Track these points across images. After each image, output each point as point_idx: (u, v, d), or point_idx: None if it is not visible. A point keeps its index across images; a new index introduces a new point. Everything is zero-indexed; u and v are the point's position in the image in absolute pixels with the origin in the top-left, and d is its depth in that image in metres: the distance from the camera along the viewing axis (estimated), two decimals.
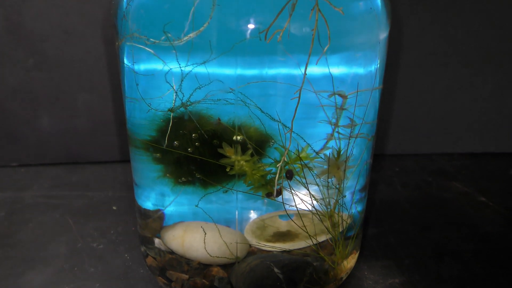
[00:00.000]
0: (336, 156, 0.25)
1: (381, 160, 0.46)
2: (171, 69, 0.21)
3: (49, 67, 0.42)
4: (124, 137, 0.45)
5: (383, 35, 0.22)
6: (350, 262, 0.28)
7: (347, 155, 0.25)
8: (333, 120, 0.25)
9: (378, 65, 0.23)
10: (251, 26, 0.19)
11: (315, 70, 0.21)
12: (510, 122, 0.47)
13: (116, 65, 0.42)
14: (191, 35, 0.20)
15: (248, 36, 0.19)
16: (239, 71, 0.21)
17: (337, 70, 0.21)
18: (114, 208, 0.38)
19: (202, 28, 0.20)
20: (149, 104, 0.23)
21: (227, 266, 0.27)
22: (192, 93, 0.23)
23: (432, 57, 0.44)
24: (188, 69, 0.21)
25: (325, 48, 0.20)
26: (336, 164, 0.25)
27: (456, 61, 0.44)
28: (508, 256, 0.33)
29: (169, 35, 0.20)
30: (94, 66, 0.42)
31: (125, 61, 0.23)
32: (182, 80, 0.21)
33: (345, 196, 0.26)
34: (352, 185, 0.27)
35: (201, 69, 0.21)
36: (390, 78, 0.45)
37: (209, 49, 0.20)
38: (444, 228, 0.36)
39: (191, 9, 0.19)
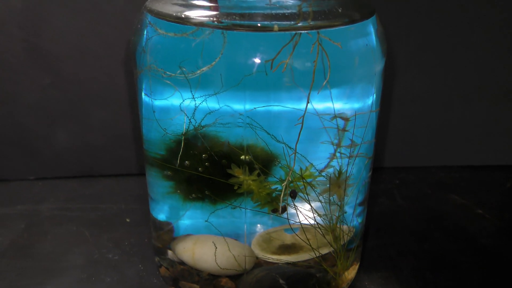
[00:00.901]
0: (337, 175, 0.27)
1: (381, 173, 0.48)
2: (184, 99, 0.23)
3: (64, 86, 0.44)
4: (135, 152, 0.47)
5: (379, 67, 0.24)
6: (351, 273, 0.30)
7: (347, 174, 0.27)
8: (335, 141, 0.27)
9: (375, 94, 0.25)
10: (257, 60, 0.22)
11: (317, 101, 0.23)
12: (508, 135, 0.49)
13: (127, 84, 0.45)
14: (204, 69, 0.22)
15: (255, 70, 0.22)
16: (248, 100, 0.23)
17: (337, 100, 0.23)
18: (127, 220, 0.41)
19: (213, 63, 0.22)
20: (165, 129, 0.25)
21: (235, 277, 0.29)
22: (203, 118, 0.25)
23: (430, 72, 0.46)
24: (201, 98, 0.23)
25: (327, 78, 0.22)
26: (337, 183, 0.27)
27: (454, 75, 0.46)
28: (503, 267, 0.35)
29: (184, 69, 0.22)
30: (107, 84, 0.44)
31: (143, 90, 0.25)
32: (195, 110, 0.23)
33: (345, 212, 0.28)
34: (352, 200, 0.29)
35: (212, 98, 0.23)
36: (390, 94, 0.47)
37: (220, 82, 0.22)
38: (442, 240, 0.38)
39: (203, 47, 0.21)
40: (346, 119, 0.27)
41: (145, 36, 0.23)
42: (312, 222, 0.28)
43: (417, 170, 0.49)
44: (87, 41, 0.43)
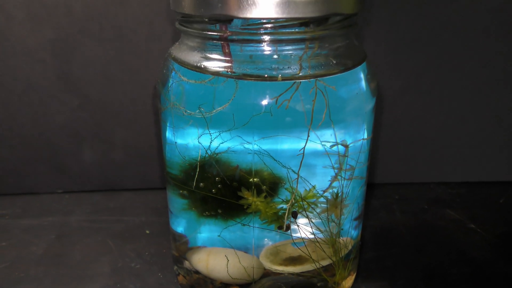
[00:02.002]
0: (335, 197, 0.31)
1: (382, 189, 0.51)
2: (201, 134, 0.27)
3: (91, 108, 0.49)
4: (154, 168, 0.52)
5: (369, 106, 0.28)
6: (348, 282, 0.34)
7: (344, 196, 0.31)
8: (336, 165, 0.31)
9: (366, 128, 0.29)
10: (264, 103, 0.26)
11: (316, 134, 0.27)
12: (501, 153, 0.52)
13: (147, 107, 0.49)
14: (218, 109, 0.26)
15: (262, 110, 0.26)
16: (256, 133, 0.27)
17: (334, 134, 0.27)
18: (147, 232, 0.45)
19: (226, 104, 0.26)
20: (184, 157, 0.30)
21: (244, 286, 0.33)
22: (217, 147, 0.29)
23: (428, 96, 0.50)
24: (215, 133, 0.27)
25: (323, 118, 0.26)
26: (334, 204, 0.31)
27: (450, 100, 0.50)
28: (491, 279, 0.38)
29: (202, 109, 0.26)
30: (129, 107, 0.49)
31: (167, 123, 0.29)
32: (210, 142, 0.27)
33: (342, 229, 0.32)
34: (349, 216, 0.33)
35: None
36: (391, 114, 0.50)
37: (232, 120, 0.26)
38: (435, 252, 0.41)
39: (219, 91, 0.25)
40: (346, 146, 0.30)
41: (170, 80, 0.28)
42: (314, 236, 0.32)
43: (417, 186, 0.52)
44: (112, 68, 0.47)
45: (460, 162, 0.53)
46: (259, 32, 0.24)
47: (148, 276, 0.39)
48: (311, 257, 0.32)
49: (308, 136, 0.27)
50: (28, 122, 0.49)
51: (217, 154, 0.29)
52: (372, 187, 0.52)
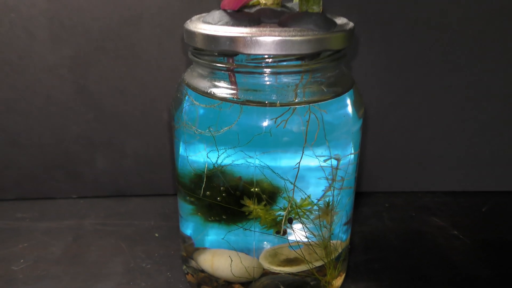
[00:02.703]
0: (326, 205, 0.35)
1: (374, 197, 0.56)
2: (210, 151, 0.31)
3: (105, 119, 0.53)
4: (162, 175, 0.56)
5: (356, 127, 0.32)
6: (338, 282, 0.38)
7: (334, 204, 0.35)
8: (330, 177, 0.35)
9: (352, 146, 0.33)
10: (264, 124, 0.30)
11: (310, 151, 0.31)
12: (486, 164, 0.56)
13: (157, 120, 0.54)
14: (225, 129, 0.30)
15: (263, 130, 0.30)
16: (257, 150, 0.31)
17: (325, 151, 0.32)
18: (156, 235, 0.49)
19: (232, 125, 0.30)
20: (193, 169, 0.34)
21: (246, 284, 0.37)
22: (223, 160, 0.33)
23: (416, 111, 0.54)
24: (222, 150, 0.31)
25: (314, 140, 0.30)
26: (326, 212, 0.35)
27: (437, 114, 0.54)
28: (469, 281, 0.43)
29: (211, 129, 0.30)
30: (140, 119, 0.53)
31: (181, 140, 0.34)
32: (218, 157, 0.32)
33: (333, 233, 0.36)
34: (339, 222, 0.37)
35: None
36: (382, 128, 0.55)
37: (237, 138, 0.30)
38: (419, 256, 0.46)
39: (226, 114, 0.30)
40: (338, 159, 0.35)
41: (183, 103, 0.32)
42: (309, 240, 0.36)
43: (405, 195, 0.56)
44: (124, 83, 0.52)
45: (446, 173, 0.57)
46: (261, 65, 0.29)
47: (158, 275, 0.43)
48: (305, 259, 0.37)
49: (303, 153, 0.31)
50: (47, 132, 0.53)
51: (222, 166, 0.34)
52: (364, 196, 0.56)
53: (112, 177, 0.56)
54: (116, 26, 0.49)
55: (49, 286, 0.41)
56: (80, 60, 0.50)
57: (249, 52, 0.28)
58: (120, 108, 0.53)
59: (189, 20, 0.32)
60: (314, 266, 0.37)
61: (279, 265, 0.37)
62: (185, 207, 0.38)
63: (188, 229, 0.40)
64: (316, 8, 0.29)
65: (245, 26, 0.28)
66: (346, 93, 0.32)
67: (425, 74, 0.52)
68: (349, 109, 0.32)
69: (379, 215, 0.52)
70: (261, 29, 0.28)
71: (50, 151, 0.54)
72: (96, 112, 0.53)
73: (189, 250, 0.39)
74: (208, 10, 0.48)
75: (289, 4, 0.33)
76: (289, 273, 0.37)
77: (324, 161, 0.33)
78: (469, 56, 0.52)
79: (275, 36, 0.27)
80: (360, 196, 0.56)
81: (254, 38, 0.27)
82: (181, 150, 0.34)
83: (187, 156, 0.34)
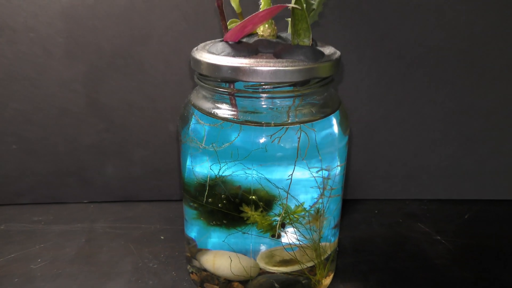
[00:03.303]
0: (316, 212, 0.40)
1: (364, 204, 0.60)
2: (213, 164, 0.36)
3: (114, 130, 0.58)
4: (167, 182, 0.61)
5: (342, 144, 0.37)
6: (327, 281, 0.43)
7: (322, 211, 0.40)
8: (321, 186, 0.40)
9: (339, 159, 0.38)
10: (261, 141, 0.35)
11: (301, 164, 0.36)
12: (469, 174, 0.61)
13: (162, 131, 0.58)
14: (226, 145, 0.35)
15: (260, 146, 0.35)
16: (255, 162, 0.36)
17: (315, 163, 0.36)
18: (162, 237, 0.54)
19: (232, 141, 0.35)
20: (198, 179, 0.39)
21: (244, 282, 0.42)
22: (224, 170, 0.38)
23: (404, 125, 0.59)
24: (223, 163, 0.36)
25: (305, 153, 0.35)
26: (316, 217, 0.40)
27: (422, 127, 0.59)
28: (449, 282, 0.47)
29: (214, 145, 0.35)
30: (147, 130, 0.58)
31: (188, 154, 0.38)
32: (220, 168, 0.36)
33: (322, 237, 0.41)
34: (328, 226, 0.42)
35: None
36: (372, 139, 0.59)
37: (237, 153, 0.35)
38: (403, 259, 0.50)
39: (226, 131, 0.34)
40: (332, 169, 0.39)
41: (189, 121, 0.37)
42: (300, 243, 0.40)
43: (394, 202, 0.61)
44: (133, 97, 0.56)
45: (432, 182, 0.61)
46: (258, 91, 0.34)
47: (164, 274, 0.48)
48: (298, 260, 0.41)
49: (295, 165, 0.36)
50: (61, 142, 0.58)
51: (223, 177, 0.38)
52: (355, 203, 0.61)
53: (120, 184, 0.60)
54: (126, 45, 0.54)
55: (65, 284, 0.46)
56: (93, 76, 0.55)
57: (247, 80, 0.32)
58: (128, 119, 0.57)
59: (195, 48, 0.37)
60: (305, 266, 0.41)
61: (274, 265, 0.42)
62: (189, 212, 0.43)
63: (192, 232, 0.44)
64: (306, 41, 0.34)
65: (245, 56, 0.33)
66: (333, 114, 0.36)
67: (411, 90, 0.57)
68: (336, 127, 0.37)
69: (369, 221, 0.57)
70: (258, 60, 0.32)
71: (64, 159, 0.58)
72: (107, 123, 0.57)
73: (193, 251, 0.44)
74: (211, 30, 0.53)
75: (283, 34, 0.38)
76: (283, 273, 0.42)
77: (317, 172, 0.38)
78: (453, 74, 0.56)
79: (270, 66, 0.32)
80: (352, 203, 0.60)
81: (252, 68, 0.32)
82: (187, 162, 0.39)
83: (192, 167, 0.38)
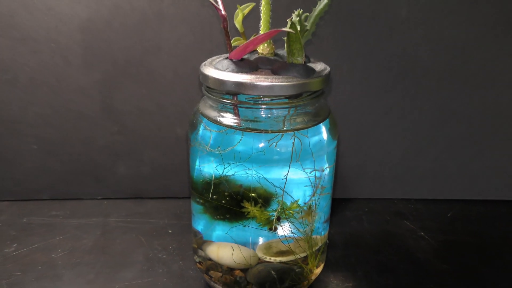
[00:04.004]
0: (309, 208, 0.46)
1: (355, 203, 0.66)
2: (218, 165, 0.42)
3: (126, 133, 0.63)
4: (174, 181, 0.66)
5: (331, 148, 0.43)
6: (317, 270, 0.49)
7: (315, 207, 0.45)
8: (314, 185, 0.45)
9: (327, 161, 0.43)
10: (260, 145, 0.40)
11: (295, 165, 0.41)
12: (453, 176, 0.67)
13: (170, 135, 0.64)
14: (229, 148, 0.41)
15: (259, 150, 0.40)
16: (254, 163, 0.42)
17: (307, 165, 0.42)
18: (170, 231, 0.59)
19: (235, 145, 0.40)
20: (204, 178, 0.44)
21: (244, 270, 0.47)
22: (228, 170, 0.44)
23: (393, 130, 0.64)
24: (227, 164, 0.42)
25: (299, 156, 0.41)
26: (308, 213, 0.46)
27: (410, 132, 0.65)
28: (429, 274, 0.53)
29: (219, 148, 0.41)
30: (156, 133, 0.64)
31: (195, 155, 0.44)
32: (224, 169, 0.42)
33: (313, 230, 0.46)
34: (319, 221, 0.47)
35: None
36: (364, 143, 0.65)
37: (239, 156, 0.41)
38: (389, 253, 0.56)
39: (230, 137, 0.40)
40: (322, 170, 0.45)
41: (197, 127, 0.43)
42: (294, 235, 0.46)
43: (383, 201, 0.67)
44: (144, 103, 0.62)
45: (418, 183, 0.67)
46: (257, 102, 0.39)
47: (172, 263, 0.53)
48: (292, 250, 0.47)
49: (290, 166, 0.42)
50: (77, 143, 0.63)
51: (227, 176, 0.44)
52: (347, 201, 0.66)
53: (131, 182, 0.66)
54: (138, 55, 0.60)
55: (84, 271, 0.51)
56: (107, 83, 0.61)
57: (248, 93, 0.38)
58: (139, 123, 0.63)
59: (203, 63, 0.42)
60: (299, 257, 0.47)
61: (271, 255, 0.47)
62: (196, 207, 0.49)
63: (198, 225, 0.50)
64: (300, 60, 0.39)
65: (246, 72, 0.39)
66: (324, 122, 0.42)
67: (399, 98, 0.63)
68: (325, 134, 0.42)
69: (359, 218, 0.63)
70: (258, 76, 0.38)
71: (80, 159, 0.64)
72: (119, 126, 0.63)
73: (199, 242, 0.50)
74: (215, 43, 0.59)
75: (280, 52, 0.43)
76: (279, 262, 0.47)
77: (310, 172, 0.44)
78: (437, 84, 0.62)
79: (268, 82, 0.37)
80: (343, 202, 0.66)
81: (252, 83, 0.37)
82: (196, 163, 0.45)
83: (200, 168, 0.44)
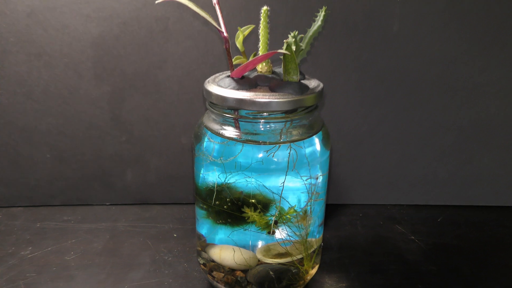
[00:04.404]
0: (304, 213, 0.50)
1: (350, 208, 0.70)
2: (220, 173, 0.46)
3: (134, 142, 0.68)
4: (178, 188, 0.70)
5: (324, 157, 0.47)
6: (312, 271, 0.53)
7: (309, 213, 0.49)
8: (310, 191, 0.49)
9: (320, 170, 0.47)
10: (260, 155, 0.44)
11: (291, 174, 0.46)
12: (443, 182, 0.71)
13: (175, 144, 0.68)
14: (230, 158, 0.45)
15: (258, 160, 0.44)
16: (254, 172, 0.46)
17: (303, 172, 0.46)
18: (175, 235, 0.63)
19: (236, 156, 0.45)
20: (208, 185, 0.48)
21: (245, 271, 0.51)
22: (229, 178, 0.48)
23: (383, 139, 0.68)
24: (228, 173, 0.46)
25: (294, 164, 0.45)
26: (303, 218, 0.50)
27: (400, 141, 0.69)
28: (418, 274, 0.56)
29: (222, 158, 0.45)
30: (162, 142, 0.68)
31: (200, 165, 0.48)
32: (226, 177, 0.46)
33: (308, 234, 0.50)
34: (314, 225, 0.51)
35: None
36: (358, 152, 0.69)
37: (239, 165, 0.45)
38: (381, 255, 0.60)
39: (231, 148, 0.44)
40: (317, 177, 0.49)
41: (202, 138, 0.47)
42: (291, 238, 0.50)
43: (377, 207, 0.70)
44: (150, 113, 0.66)
45: (411, 189, 0.71)
46: (256, 116, 0.43)
47: (177, 265, 0.57)
48: (289, 253, 0.51)
49: (286, 175, 0.46)
50: (88, 151, 0.68)
51: (228, 184, 0.48)
52: (342, 207, 0.70)
53: (138, 189, 0.70)
54: (145, 69, 0.64)
55: (96, 272, 0.56)
56: (116, 95, 0.65)
57: (248, 108, 0.42)
58: (146, 133, 0.67)
59: (207, 80, 0.47)
60: (296, 258, 0.51)
61: (270, 257, 0.51)
62: (200, 212, 0.53)
63: (202, 229, 0.54)
64: (295, 78, 0.44)
65: (246, 90, 0.43)
66: (317, 134, 0.46)
67: (391, 109, 0.67)
68: (319, 145, 0.46)
69: (354, 223, 0.67)
70: (256, 93, 0.42)
71: (90, 166, 0.68)
72: (127, 135, 0.67)
73: (203, 245, 0.54)
74: (217, 57, 0.63)
75: (277, 70, 0.47)
76: (277, 263, 0.51)
77: (305, 180, 0.48)
78: (427, 95, 0.66)
79: (266, 98, 0.42)
80: (339, 207, 0.70)
81: (252, 99, 0.42)
82: (200, 172, 0.49)
83: (203, 176, 0.48)
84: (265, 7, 0.43)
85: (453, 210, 0.70)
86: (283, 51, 0.41)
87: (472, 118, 0.67)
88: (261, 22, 0.43)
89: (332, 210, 0.69)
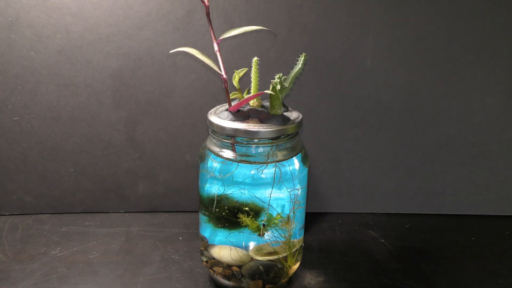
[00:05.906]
0: (287, 218, 0.62)
1: (330, 216, 0.82)
2: (219, 187, 0.58)
3: (146, 158, 0.80)
4: (184, 198, 0.83)
5: (303, 173, 0.60)
6: (295, 266, 0.65)
7: (293, 217, 0.62)
8: (294, 200, 0.62)
9: (299, 184, 0.60)
10: (252, 172, 0.57)
11: (277, 187, 0.58)
12: (411, 193, 0.83)
13: (180, 160, 0.80)
14: (228, 174, 0.57)
15: (250, 176, 0.57)
16: (247, 186, 0.58)
17: (287, 185, 0.59)
18: (180, 238, 0.76)
19: (232, 172, 0.57)
20: (209, 195, 0.61)
21: (240, 266, 0.63)
22: (227, 190, 0.60)
23: (365, 150, 0.81)
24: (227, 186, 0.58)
25: (280, 179, 0.57)
26: (287, 222, 0.62)
27: (381, 151, 0.81)
28: (385, 271, 0.68)
29: (221, 174, 0.58)
30: (169, 158, 0.80)
31: (203, 178, 0.61)
32: (224, 190, 0.59)
33: (291, 236, 0.63)
34: (296, 227, 0.63)
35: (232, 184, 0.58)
36: (338, 166, 0.82)
37: (235, 180, 0.57)
38: (354, 255, 0.72)
39: (229, 166, 0.57)
40: (297, 190, 0.62)
41: (205, 159, 0.59)
42: (277, 239, 0.62)
43: (353, 215, 0.82)
44: (160, 134, 0.79)
45: (383, 199, 0.83)
46: (249, 142, 0.56)
47: (183, 263, 0.69)
48: (276, 251, 0.63)
49: (272, 188, 0.58)
50: (105, 167, 0.80)
51: (226, 194, 0.60)
52: (323, 215, 0.82)
53: (149, 198, 0.82)
54: (156, 97, 0.77)
55: (115, 268, 0.68)
56: (131, 119, 0.78)
57: (242, 136, 0.55)
58: (156, 151, 0.80)
59: (209, 112, 0.59)
60: (281, 256, 0.63)
61: (260, 255, 0.63)
62: (203, 218, 0.65)
63: (204, 232, 0.66)
64: (279, 111, 0.56)
65: (241, 121, 0.56)
66: (297, 155, 0.59)
67: (366, 131, 0.79)
68: (298, 164, 0.59)
69: (333, 229, 0.79)
70: (249, 124, 0.55)
71: (107, 179, 0.81)
72: (140, 153, 0.80)
73: (205, 245, 0.66)
74: (218, 88, 0.76)
75: (266, 104, 0.60)
76: (266, 260, 0.63)
77: (290, 191, 0.60)
78: (397, 120, 0.78)
79: (256, 128, 0.54)
80: (320, 215, 0.82)
81: (245, 129, 0.54)
82: (204, 185, 0.62)
83: (206, 188, 0.61)
84: (255, 58, 0.56)
85: (420, 218, 0.82)
86: (269, 92, 0.54)
87: (435, 139, 0.79)
88: (252, 69, 0.56)
89: (315, 218, 0.81)
